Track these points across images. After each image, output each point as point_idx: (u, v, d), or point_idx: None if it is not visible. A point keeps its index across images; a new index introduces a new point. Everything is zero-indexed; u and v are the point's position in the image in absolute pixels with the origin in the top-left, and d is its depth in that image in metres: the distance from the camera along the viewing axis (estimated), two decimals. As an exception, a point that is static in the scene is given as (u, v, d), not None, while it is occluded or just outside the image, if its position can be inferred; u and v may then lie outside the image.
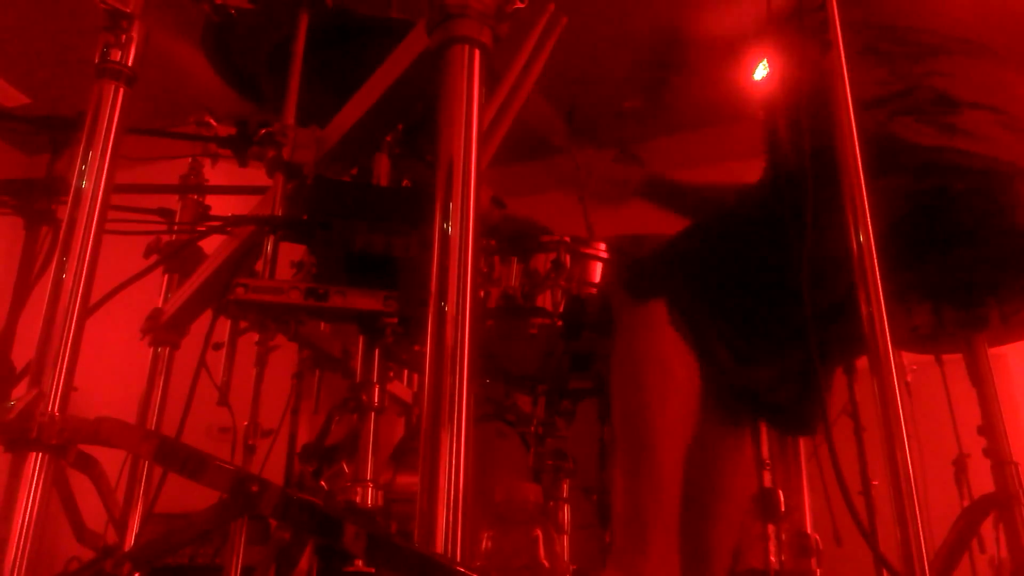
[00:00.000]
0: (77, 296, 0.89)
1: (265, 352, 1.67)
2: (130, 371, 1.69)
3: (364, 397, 1.12)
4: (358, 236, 1.08)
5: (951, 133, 1.29)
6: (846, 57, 1.02)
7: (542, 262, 1.79)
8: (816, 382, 1.31)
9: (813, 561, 1.52)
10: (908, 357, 1.75)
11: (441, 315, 0.79)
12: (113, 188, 0.95)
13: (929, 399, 2.45)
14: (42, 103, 4.39)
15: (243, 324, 1.38)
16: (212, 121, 1.57)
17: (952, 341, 1.47)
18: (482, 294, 1.72)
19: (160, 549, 0.82)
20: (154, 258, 1.57)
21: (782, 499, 1.44)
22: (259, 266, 1.13)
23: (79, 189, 0.92)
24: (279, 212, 1.13)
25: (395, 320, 1.05)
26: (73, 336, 0.87)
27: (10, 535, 0.79)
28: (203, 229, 1.72)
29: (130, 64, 0.97)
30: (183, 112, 1.54)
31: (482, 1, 0.89)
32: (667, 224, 1.84)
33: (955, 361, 1.53)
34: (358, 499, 1.08)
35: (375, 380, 1.14)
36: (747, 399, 1.50)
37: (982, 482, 1.49)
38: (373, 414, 1.13)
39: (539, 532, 1.23)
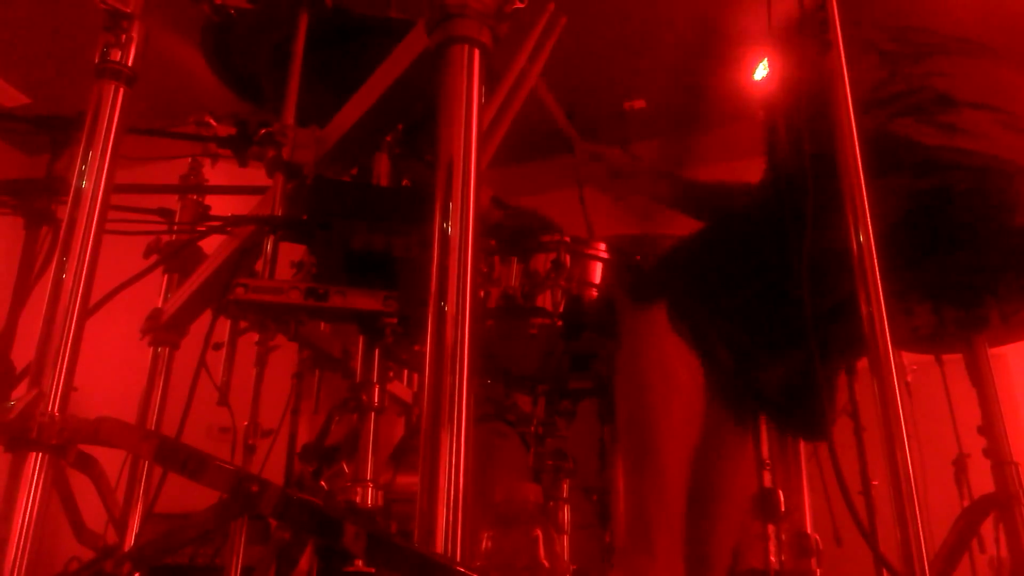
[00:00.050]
0: (77, 296, 0.89)
1: (265, 352, 1.67)
2: (130, 371, 1.69)
3: (364, 397, 1.12)
4: (358, 236, 1.08)
5: (951, 133, 1.29)
6: (848, 57, 1.02)
7: (542, 262, 1.79)
8: (817, 383, 1.31)
9: (813, 561, 1.52)
10: (908, 357, 1.75)
11: (441, 315, 0.78)
12: (113, 188, 0.95)
13: (929, 399, 2.45)
14: (42, 103, 4.39)
15: (243, 324, 1.38)
16: (212, 121, 1.57)
17: (952, 341, 1.48)
18: (482, 294, 1.72)
19: (160, 549, 0.82)
20: (154, 258, 1.57)
21: (782, 499, 1.44)
22: (259, 266, 1.13)
23: (79, 189, 0.92)
24: (279, 212, 1.13)
25: (395, 320, 1.05)
26: (73, 336, 0.87)
27: (10, 535, 0.79)
28: (203, 229, 1.72)
29: (130, 64, 0.97)
30: (183, 112, 1.54)
31: (482, 1, 0.89)
32: (667, 224, 1.84)
33: (955, 361, 1.53)
34: (358, 499, 1.08)
35: (375, 380, 1.14)
36: (750, 400, 1.50)
37: (982, 482, 1.49)
38: (373, 414, 1.13)
39: (539, 532, 1.23)
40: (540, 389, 1.90)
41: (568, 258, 1.78)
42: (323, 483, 1.15)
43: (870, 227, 0.95)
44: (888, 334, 0.92)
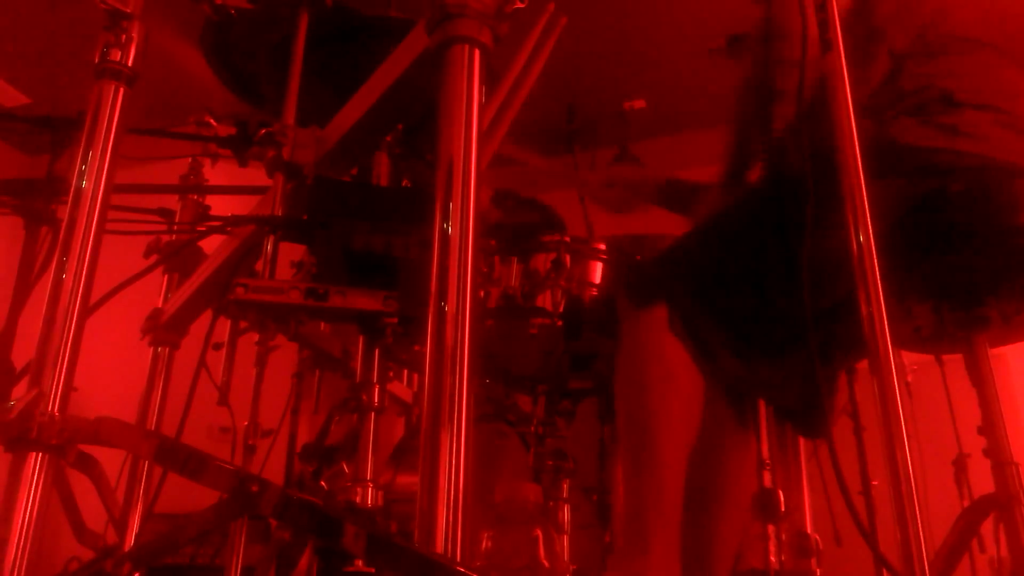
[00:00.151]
0: (77, 296, 0.89)
1: (265, 352, 1.67)
2: (130, 371, 1.69)
3: (364, 397, 1.12)
4: (358, 236, 1.08)
5: (951, 134, 1.29)
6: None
7: (542, 262, 1.79)
8: (818, 383, 1.31)
9: (813, 561, 1.52)
10: (908, 357, 1.75)
11: (441, 315, 0.78)
12: (113, 188, 0.95)
13: (929, 399, 2.45)
14: (42, 103, 4.39)
15: (243, 324, 1.38)
16: (212, 121, 1.57)
17: (953, 341, 1.47)
18: (482, 294, 1.72)
19: (160, 549, 0.82)
20: (154, 258, 1.57)
21: (782, 499, 1.44)
22: (259, 266, 1.13)
23: (79, 189, 0.92)
24: (279, 212, 1.13)
25: (395, 320, 1.05)
26: (73, 336, 0.87)
27: (10, 535, 0.79)
28: (203, 229, 1.72)
29: (130, 64, 0.97)
30: (183, 112, 1.54)
31: (482, 1, 0.89)
32: (667, 224, 1.84)
33: (955, 361, 1.53)
34: (358, 499, 1.08)
35: (375, 380, 1.14)
36: (750, 401, 1.50)
37: (982, 482, 1.49)
38: (373, 414, 1.13)
39: (539, 532, 1.23)
40: (540, 389, 1.90)
41: (568, 258, 1.78)
42: (323, 483, 1.15)
43: (870, 227, 0.95)
44: (888, 334, 0.92)
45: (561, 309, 1.73)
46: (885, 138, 1.30)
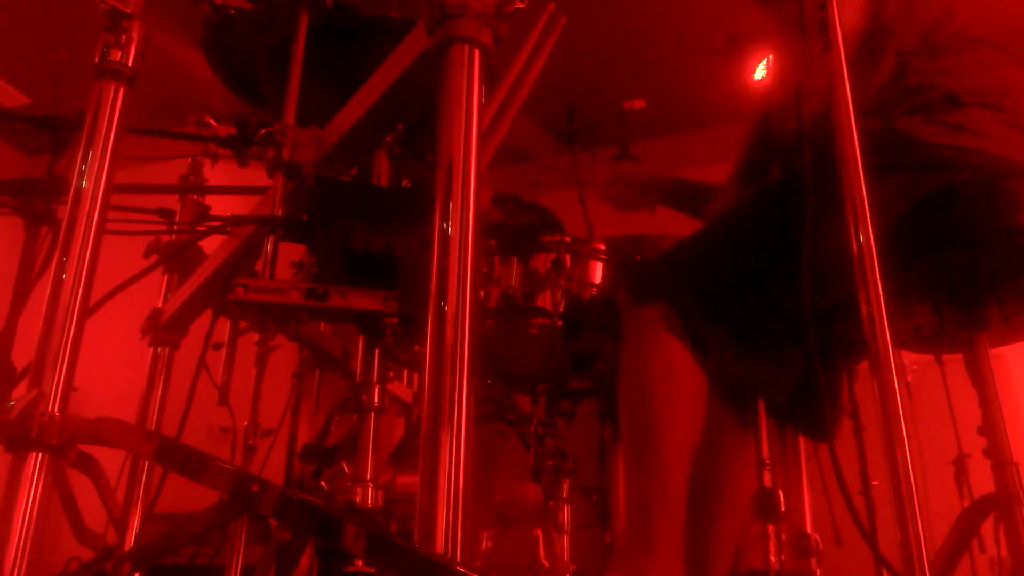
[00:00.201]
0: (77, 296, 0.89)
1: (265, 352, 1.67)
2: (130, 371, 1.69)
3: (364, 397, 1.12)
4: (358, 236, 1.08)
5: (956, 132, 1.29)
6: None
7: (542, 262, 1.79)
8: (818, 383, 1.31)
9: (813, 561, 1.52)
10: (908, 357, 1.75)
11: (441, 315, 0.78)
12: (113, 188, 0.95)
13: (929, 399, 2.45)
14: (42, 103, 4.39)
15: (243, 324, 1.38)
16: (212, 121, 1.57)
17: (953, 341, 1.47)
18: (482, 294, 1.72)
19: (160, 549, 0.82)
20: (154, 258, 1.57)
21: (782, 499, 1.43)
22: (259, 266, 1.13)
23: (79, 189, 0.92)
24: (279, 212, 1.13)
25: (395, 320, 1.05)
26: (73, 336, 0.87)
27: (10, 535, 0.79)
28: (203, 229, 1.72)
29: (130, 64, 0.97)
30: (183, 112, 1.54)
31: (482, 1, 0.89)
32: (667, 224, 1.84)
33: (955, 361, 1.53)
34: (358, 499, 1.08)
35: (375, 380, 1.14)
36: (751, 400, 1.50)
37: (982, 482, 1.49)
38: (373, 414, 1.13)
39: (539, 532, 1.23)
40: (540, 389, 1.90)
41: (568, 258, 1.78)
42: (323, 483, 1.15)
43: (870, 227, 0.95)
44: (888, 334, 0.92)
45: (561, 309, 1.73)
46: (890, 134, 1.30)
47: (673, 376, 1.28)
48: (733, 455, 1.51)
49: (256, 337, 1.59)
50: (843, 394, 1.65)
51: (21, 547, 0.80)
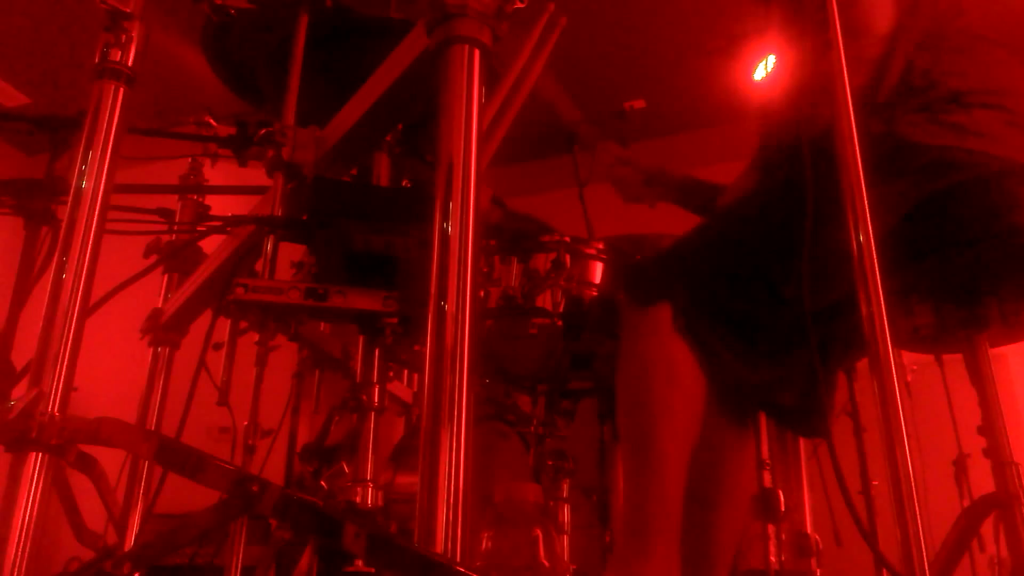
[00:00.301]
0: (77, 296, 0.89)
1: (265, 352, 1.67)
2: (130, 371, 1.69)
3: (364, 397, 1.12)
4: (358, 236, 1.08)
5: (960, 132, 1.29)
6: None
7: (542, 262, 1.79)
8: (818, 383, 1.31)
9: (813, 561, 1.52)
10: (908, 357, 1.75)
11: (441, 315, 0.78)
12: (113, 188, 0.95)
13: (929, 399, 2.45)
14: (42, 103, 4.39)
15: (243, 324, 1.38)
16: (212, 121, 1.57)
17: (953, 341, 1.47)
18: (482, 294, 1.72)
19: (160, 549, 0.82)
20: (154, 258, 1.57)
21: (782, 499, 1.44)
22: (259, 266, 1.13)
23: (79, 189, 0.92)
24: (279, 212, 1.13)
25: (395, 320, 1.05)
26: (73, 336, 0.87)
27: (10, 535, 0.79)
28: (203, 229, 1.72)
29: (130, 64, 0.97)
30: (183, 112, 1.54)
31: (482, 1, 0.89)
32: (667, 224, 1.84)
33: (955, 361, 1.53)
34: (358, 499, 1.08)
35: (375, 380, 1.14)
36: (752, 400, 1.50)
37: (982, 482, 1.49)
38: (373, 414, 1.13)
39: (539, 532, 1.23)
40: (540, 389, 1.90)
41: (568, 258, 1.78)
42: (323, 483, 1.15)
43: (870, 227, 0.95)
44: (888, 334, 0.92)
45: (561, 309, 1.73)
46: (893, 137, 1.30)
47: (673, 376, 1.28)
48: (733, 455, 1.51)
49: (256, 337, 1.59)
50: (840, 393, 1.65)
51: (21, 547, 0.80)
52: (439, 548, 0.71)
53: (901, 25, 1.38)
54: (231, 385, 1.42)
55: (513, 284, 1.78)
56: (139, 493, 1.48)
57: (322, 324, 1.44)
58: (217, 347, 1.34)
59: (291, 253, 1.16)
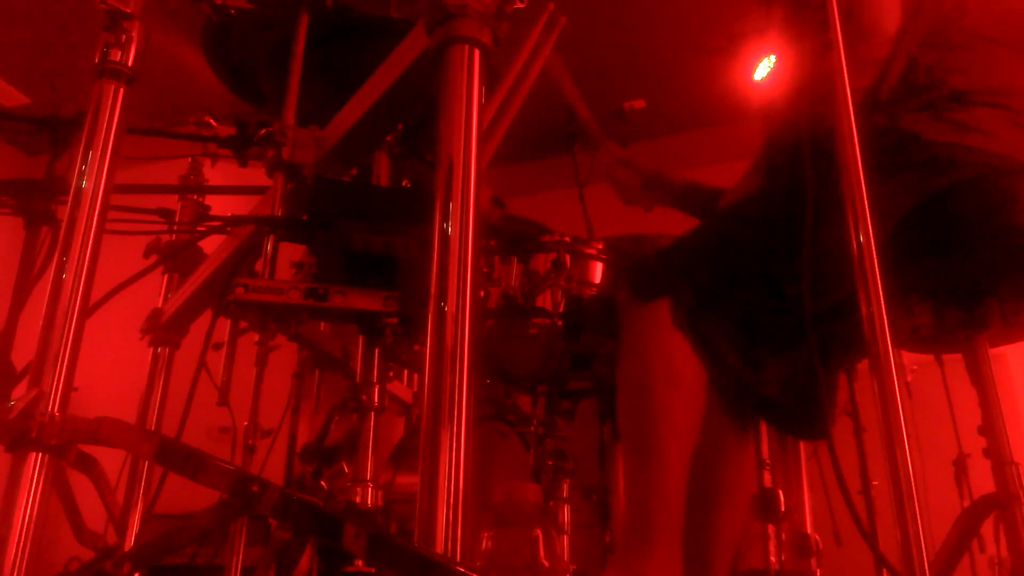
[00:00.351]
0: (77, 296, 0.89)
1: (265, 352, 1.67)
2: (130, 371, 1.69)
3: (364, 397, 1.12)
4: (358, 236, 1.08)
5: (962, 130, 1.29)
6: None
7: (542, 262, 1.79)
8: (818, 383, 1.31)
9: (813, 561, 1.52)
10: (908, 357, 1.75)
11: (441, 315, 0.78)
12: (113, 188, 0.95)
13: (929, 399, 2.45)
14: (42, 103, 4.39)
15: (243, 324, 1.38)
16: (212, 121, 1.57)
17: (953, 341, 1.47)
18: (482, 294, 1.72)
19: (160, 549, 0.82)
20: (154, 258, 1.57)
21: (782, 499, 1.43)
22: (259, 266, 1.13)
23: (79, 189, 0.92)
24: (279, 212, 1.13)
25: (395, 320, 1.05)
26: (73, 336, 0.87)
27: (10, 535, 0.79)
28: (203, 229, 1.72)
29: (130, 64, 0.97)
30: (183, 112, 1.54)
31: (482, 1, 0.89)
32: (667, 224, 1.84)
33: (955, 361, 1.53)
34: (358, 499, 1.08)
35: (375, 380, 1.14)
36: (753, 400, 1.49)
37: (982, 482, 1.49)
38: (373, 414, 1.13)
39: (539, 532, 1.22)
40: (540, 389, 1.90)
41: (568, 258, 1.78)
42: (323, 483, 1.15)
43: (870, 227, 0.95)
44: (888, 334, 0.92)
45: (561, 309, 1.73)
46: (896, 131, 1.30)
47: (673, 375, 1.27)
48: (733, 455, 1.51)
49: (256, 337, 1.59)
50: (841, 393, 1.64)
51: (21, 547, 0.80)
52: (439, 548, 0.71)
53: (905, 24, 1.38)
54: (231, 385, 1.42)
55: (513, 284, 1.78)
56: (139, 493, 1.48)
57: (322, 324, 1.44)
58: (217, 347, 1.34)
59: (291, 253, 1.17)
